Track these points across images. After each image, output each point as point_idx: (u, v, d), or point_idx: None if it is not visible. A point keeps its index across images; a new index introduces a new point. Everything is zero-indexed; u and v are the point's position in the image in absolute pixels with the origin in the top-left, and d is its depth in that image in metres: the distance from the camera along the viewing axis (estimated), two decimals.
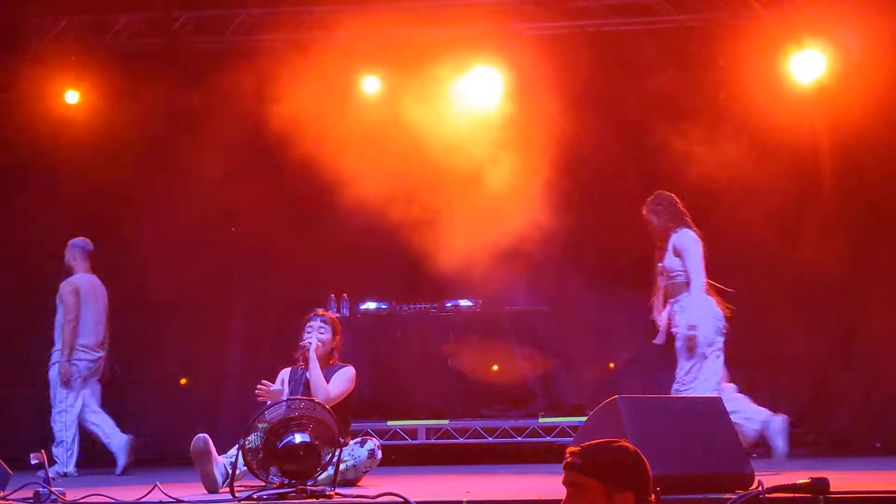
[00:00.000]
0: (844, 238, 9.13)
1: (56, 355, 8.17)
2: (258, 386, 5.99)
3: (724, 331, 6.75)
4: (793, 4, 8.94)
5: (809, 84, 8.97)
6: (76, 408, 8.10)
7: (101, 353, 8.31)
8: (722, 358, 6.74)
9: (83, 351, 8.17)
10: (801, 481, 4.11)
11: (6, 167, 9.97)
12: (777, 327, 9.28)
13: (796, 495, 4.18)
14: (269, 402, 5.93)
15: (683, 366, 6.74)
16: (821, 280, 9.18)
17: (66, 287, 8.20)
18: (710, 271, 6.89)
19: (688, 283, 6.75)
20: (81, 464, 8.12)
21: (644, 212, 7.09)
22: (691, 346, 6.64)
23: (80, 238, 8.38)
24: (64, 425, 8.03)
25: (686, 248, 6.79)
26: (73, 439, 8.03)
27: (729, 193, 9.12)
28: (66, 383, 8.07)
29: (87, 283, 8.26)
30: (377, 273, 9.68)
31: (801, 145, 9.14)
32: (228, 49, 9.57)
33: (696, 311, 6.66)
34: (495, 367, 8.95)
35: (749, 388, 9.09)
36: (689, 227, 6.87)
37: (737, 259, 9.31)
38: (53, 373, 8.18)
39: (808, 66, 8.89)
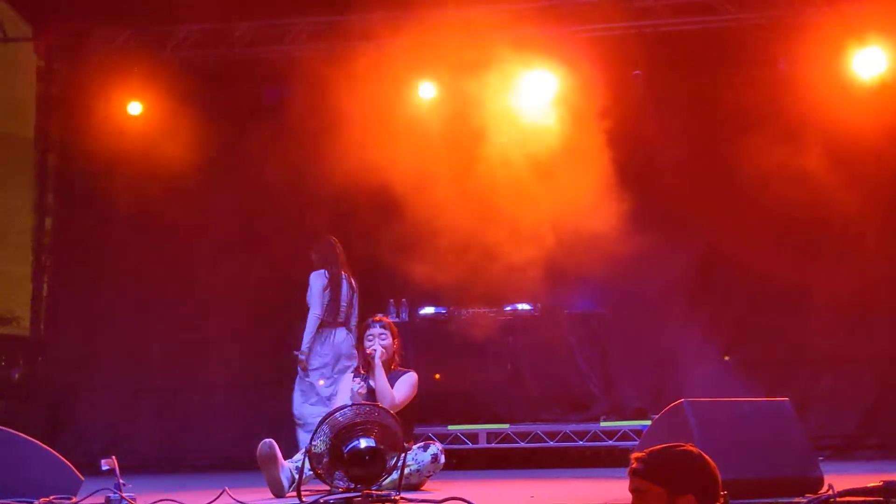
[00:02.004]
0: None
1: None
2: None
3: (338, 364, 7.82)
4: (855, 1, 8.81)
5: (872, 82, 8.82)
6: None
7: None
8: (326, 382, 7.80)
9: None
10: (872, 484, 4.06)
11: (70, 176, 10.20)
12: (841, 329, 9.13)
13: (868, 499, 4.12)
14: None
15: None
16: (884, 280, 9.03)
17: None
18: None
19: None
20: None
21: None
22: (303, 368, 7.81)
23: None
24: None
25: (310, 286, 7.94)
26: None
27: (790, 193, 9.00)
28: None
29: None
30: (436, 278, 9.69)
31: (864, 143, 8.99)
32: (284, 58, 9.69)
33: (305, 340, 7.81)
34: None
35: (812, 390, 9.03)
36: (328, 270, 7.97)
37: (797, 260, 9.20)
38: None
39: (870, 63, 8.74)
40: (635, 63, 9.26)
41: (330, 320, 7.86)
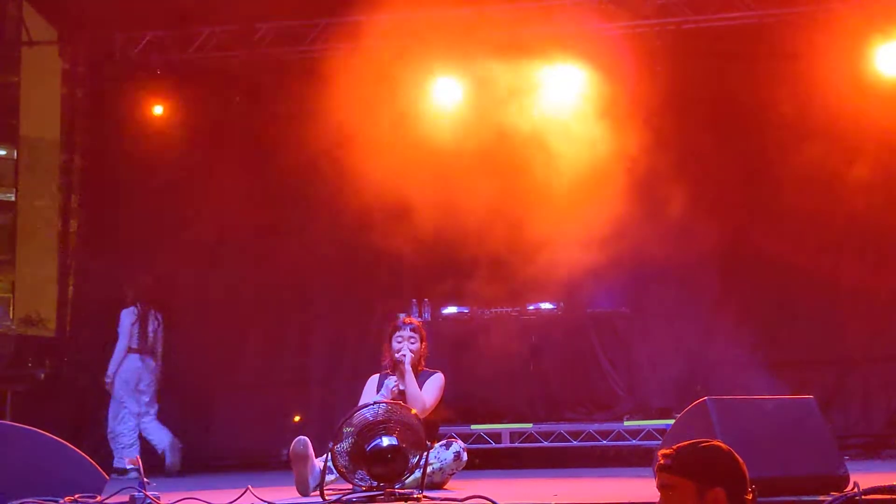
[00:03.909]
0: None
1: None
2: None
3: (141, 384, 9.01)
4: None
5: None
6: None
7: None
8: (133, 400, 8.95)
9: None
10: None
11: (95, 178, 10.27)
12: (868, 327, 9.05)
13: (894, 497, 4.08)
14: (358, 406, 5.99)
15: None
16: None
17: None
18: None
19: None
20: None
21: None
22: (109, 390, 8.97)
23: None
24: None
25: (120, 320, 9.07)
26: None
27: (815, 190, 8.93)
28: None
29: None
30: (458, 277, 9.69)
31: (889, 138, 8.90)
32: (307, 58, 9.71)
33: (112, 366, 8.94)
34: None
35: (840, 389, 8.95)
36: (136, 308, 9.10)
37: (823, 258, 9.13)
38: None
39: (894, 58, 8.66)
40: (658, 60, 9.22)
41: (138, 348, 9.06)
